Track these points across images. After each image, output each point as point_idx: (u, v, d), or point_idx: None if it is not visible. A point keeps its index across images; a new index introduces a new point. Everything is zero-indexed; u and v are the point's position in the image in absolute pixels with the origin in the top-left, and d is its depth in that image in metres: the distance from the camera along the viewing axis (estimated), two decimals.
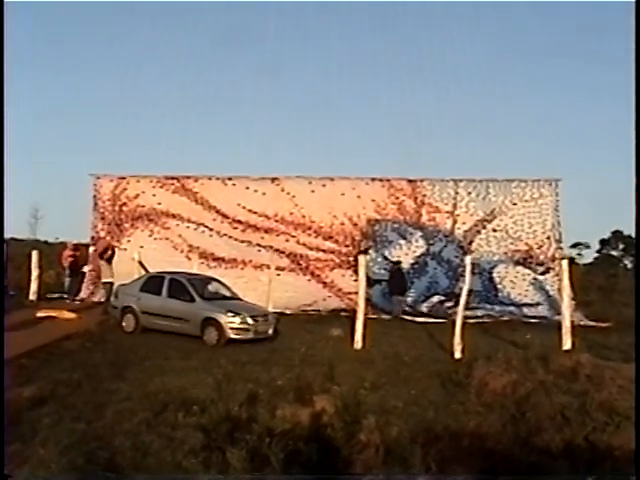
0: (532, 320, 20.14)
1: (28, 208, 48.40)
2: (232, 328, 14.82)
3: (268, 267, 21.70)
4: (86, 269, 23.25)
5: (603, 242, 61.90)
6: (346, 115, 61.57)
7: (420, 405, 9.47)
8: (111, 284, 19.19)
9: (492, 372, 10.47)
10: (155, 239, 23.48)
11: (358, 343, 14.63)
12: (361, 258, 15.68)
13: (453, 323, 14.30)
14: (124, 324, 16.19)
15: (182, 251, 23.20)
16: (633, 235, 53.32)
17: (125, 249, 22.72)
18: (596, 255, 60.79)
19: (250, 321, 15.03)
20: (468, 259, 14.83)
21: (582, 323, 19.02)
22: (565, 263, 15.14)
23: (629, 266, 55.63)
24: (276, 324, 16.08)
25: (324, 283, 22.86)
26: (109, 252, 20.75)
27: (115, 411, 8.62)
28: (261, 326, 15.34)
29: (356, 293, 20.08)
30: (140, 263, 20.29)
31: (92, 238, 23.76)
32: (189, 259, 22.04)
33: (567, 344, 14.19)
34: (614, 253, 61.45)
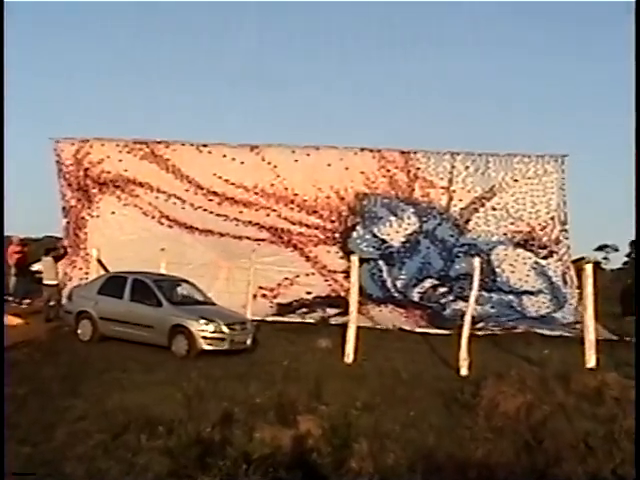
0: (547, 332, 20.23)
1: None
2: (205, 337, 14.78)
3: (248, 238, 22.84)
4: (35, 267, 23.13)
5: (633, 244, 62.03)
6: (334, 78, 61.60)
7: (420, 429, 9.47)
8: (55, 286, 19.24)
9: (504, 392, 10.48)
10: (125, 205, 23.75)
11: (349, 356, 14.62)
12: (354, 258, 15.66)
13: (459, 335, 14.32)
14: (79, 331, 16.13)
15: (153, 217, 23.61)
16: None
17: (98, 216, 23.57)
18: (625, 259, 60.93)
19: (225, 329, 15.00)
20: (477, 261, 14.82)
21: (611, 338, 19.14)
22: (589, 268, 15.12)
23: None
24: (255, 333, 16.06)
25: (307, 257, 23.23)
26: (60, 251, 20.75)
27: (67, 432, 8.57)
28: (238, 335, 15.31)
29: (342, 272, 21.28)
30: (99, 261, 20.19)
31: (63, 209, 23.89)
32: (161, 224, 23.28)
33: (591, 361, 14.22)
34: None
